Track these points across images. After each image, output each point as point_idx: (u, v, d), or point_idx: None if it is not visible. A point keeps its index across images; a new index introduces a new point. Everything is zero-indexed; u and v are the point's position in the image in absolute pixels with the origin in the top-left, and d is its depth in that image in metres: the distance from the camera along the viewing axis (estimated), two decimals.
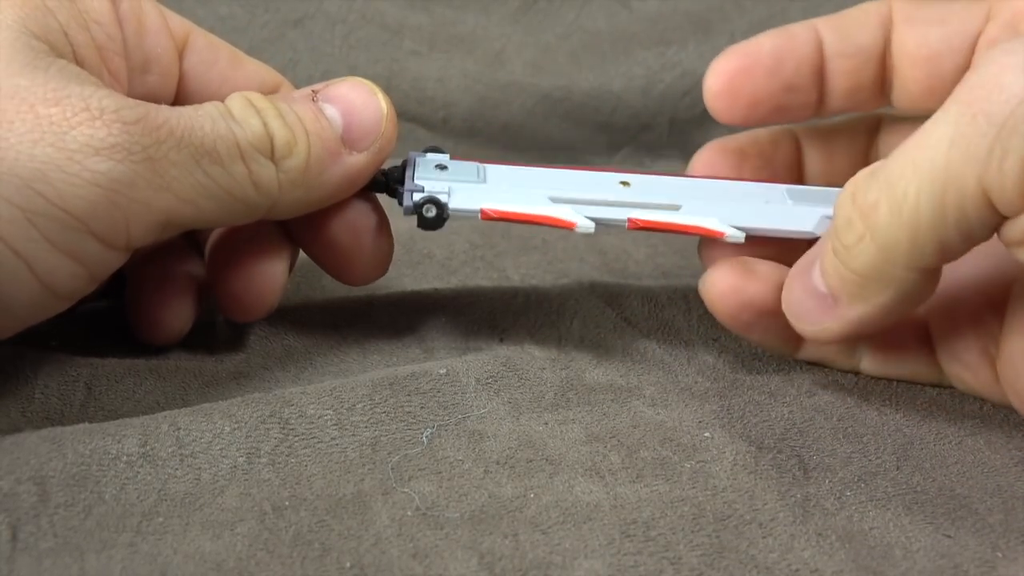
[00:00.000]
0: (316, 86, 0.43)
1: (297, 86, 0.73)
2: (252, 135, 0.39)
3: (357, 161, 0.42)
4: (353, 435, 0.38)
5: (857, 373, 0.43)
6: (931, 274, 0.37)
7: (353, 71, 0.73)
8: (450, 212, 0.42)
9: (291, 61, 0.73)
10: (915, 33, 0.44)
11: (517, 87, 0.74)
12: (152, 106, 0.38)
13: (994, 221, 0.34)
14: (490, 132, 0.74)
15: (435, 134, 0.74)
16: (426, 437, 0.38)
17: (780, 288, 0.41)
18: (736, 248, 0.43)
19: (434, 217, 0.42)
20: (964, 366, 0.42)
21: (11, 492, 0.33)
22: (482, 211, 0.42)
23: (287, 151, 0.40)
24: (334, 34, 0.74)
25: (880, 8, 0.45)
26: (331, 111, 0.42)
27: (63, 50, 0.38)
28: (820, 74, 0.45)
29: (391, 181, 0.43)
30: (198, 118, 0.39)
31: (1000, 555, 0.34)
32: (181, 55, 0.44)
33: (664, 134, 0.74)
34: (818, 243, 0.40)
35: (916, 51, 0.44)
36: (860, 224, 0.36)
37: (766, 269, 0.42)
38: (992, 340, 0.41)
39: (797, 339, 0.43)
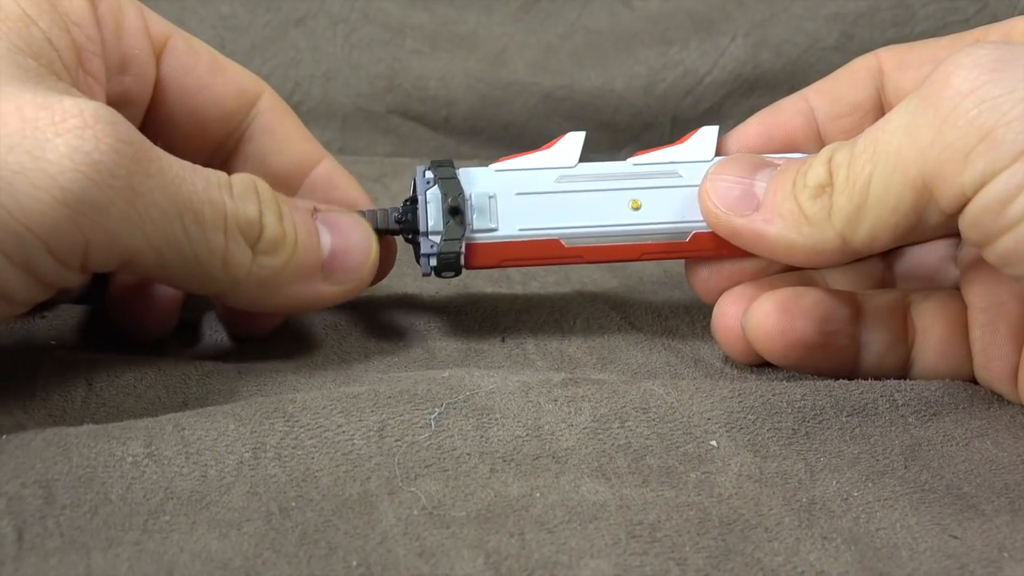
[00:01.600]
0: (320, 205, 0.43)
1: (299, 85, 0.73)
2: (243, 217, 0.39)
3: (326, 290, 0.42)
4: (359, 421, 0.37)
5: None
6: (848, 255, 0.40)
7: (355, 70, 0.73)
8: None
9: (293, 60, 0.73)
10: (911, 76, 0.44)
11: (519, 86, 0.73)
12: (148, 141, 0.37)
13: (928, 214, 0.37)
14: (492, 131, 0.74)
15: (437, 133, 0.74)
16: (434, 420, 0.38)
17: (826, 322, 0.42)
18: (722, 266, 0.45)
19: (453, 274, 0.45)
20: (998, 377, 0.42)
21: (16, 495, 0.33)
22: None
23: (270, 247, 0.40)
24: (336, 33, 0.74)
25: (868, 63, 0.45)
26: (325, 236, 0.42)
27: (49, 57, 0.37)
28: (817, 141, 0.45)
29: (406, 229, 0.44)
30: (194, 174, 0.38)
31: (1006, 555, 0.34)
32: (159, 58, 0.43)
33: (666, 133, 0.74)
34: (784, 159, 0.42)
35: None
36: (825, 177, 0.39)
37: (810, 302, 0.42)
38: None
39: (852, 365, 0.43)
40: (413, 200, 0.44)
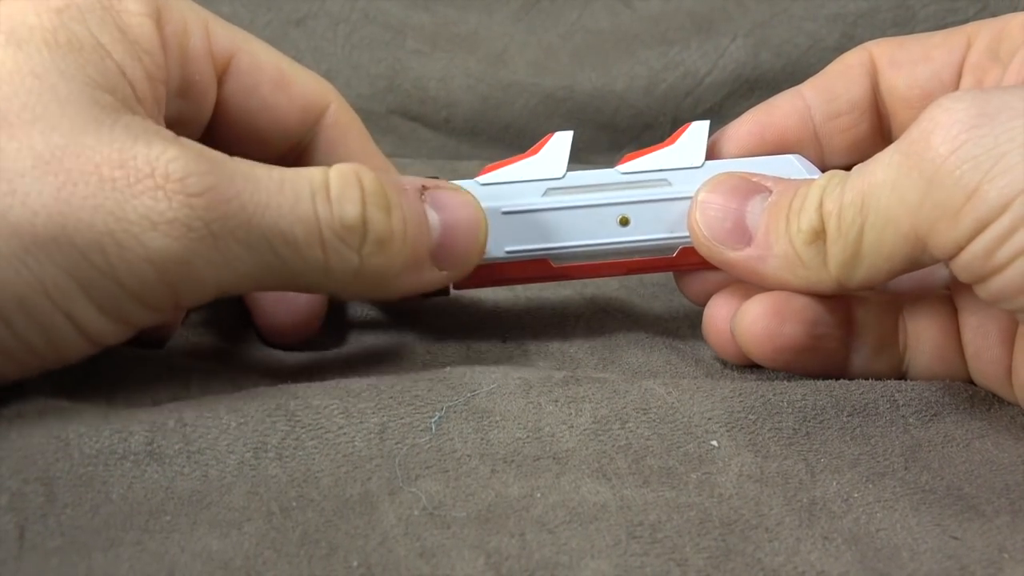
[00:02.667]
0: (428, 181, 0.41)
1: None
2: (341, 223, 0.38)
3: (433, 277, 0.41)
4: (360, 422, 0.37)
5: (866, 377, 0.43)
6: (843, 292, 0.41)
7: (355, 70, 0.73)
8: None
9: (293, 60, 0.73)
10: (903, 75, 0.44)
11: (519, 87, 0.74)
12: (226, 171, 0.36)
13: (922, 260, 0.38)
14: (492, 132, 0.74)
15: (437, 134, 0.74)
16: (434, 423, 0.38)
17: (816, 325, 0.42)
18: (713, 275, 0.45)
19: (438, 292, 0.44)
20: (993, 379, 0.42)
21: (19, 492, 0.33)
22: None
23: (377, 248, 0.39)
24: (336, 33, 0.74)
25: (861, 57, 0.45)
26: (434, 219, 0.41)
27: (124, 91, 0.37)
28: (813, 141, 0.45)
29: None
30: (279, 195, 0.37)
31: (1007, 556, 0.34)
32: (221, 79, 0.43)
33: (667, 134, 0.73)
34: (775, 180, 0.42)
35: (908, 92, 0.44)
36: (818, 223, 0.39)
37: (799, 305, 0.42)
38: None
39: (842, 367, 0.43)
40: None
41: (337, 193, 0.38)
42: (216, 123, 0.43)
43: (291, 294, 0.44)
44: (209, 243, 0.35)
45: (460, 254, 0.41)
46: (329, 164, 0.44)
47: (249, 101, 0.43)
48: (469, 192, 0.42)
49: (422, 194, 0.41)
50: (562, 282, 0.53)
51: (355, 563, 0.32)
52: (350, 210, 0.38)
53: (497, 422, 0.38)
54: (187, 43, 0.41)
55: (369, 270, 0.39)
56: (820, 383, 0.41)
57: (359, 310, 0.48)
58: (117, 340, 0.37)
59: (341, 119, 0.45)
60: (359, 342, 0.46)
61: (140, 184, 0.35)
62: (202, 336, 0.46)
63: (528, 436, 0.38)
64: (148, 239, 0.35)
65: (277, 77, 0.44)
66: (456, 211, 0.41)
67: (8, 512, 0.32)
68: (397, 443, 0.37)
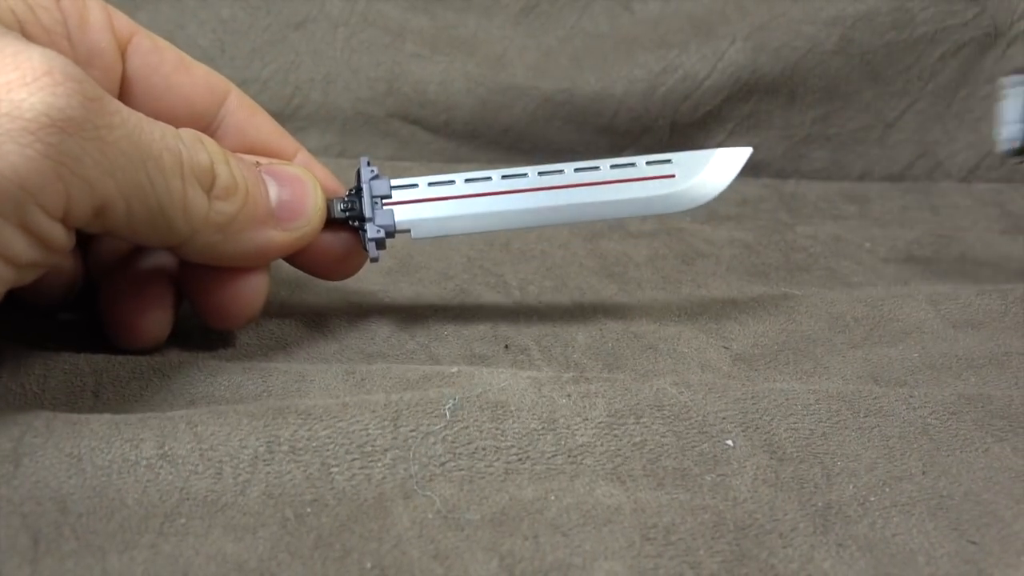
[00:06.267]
0: (261, 159, 0.44)
1: (299, 89, 0.73)
2: (197, 163, 0.40)
3: (277, 237, 0.43)
4: (373, 412, 0.37)
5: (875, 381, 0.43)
6: None
7: (355, 74, 0.73)
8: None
9: (293, 64, 0.73)
10: None
11: (519, 90, 0.74)
12: (108, 95, 0.37)
13: None
14: (491, 135, 0.74)
15: (437, 136, 0.74)
16: (448, 411, 0.38)
17: None
18: None
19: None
20: None
21: (32, 512, 0.32)
22: None
23: (224, 194, 0.41)
24: (336, 36, 0.74)
25: None
26: (271, 185, 0.43)
27: (10, 24, 0.38)
28: None
29: (352, 216, 0.46)
30: (150, 124, 0.38)
31: None
32: (124, 55, 0.43)
33: (665, 137, 0.74)
34: None
35: None
36: None
37: None
38: None
39: None
40: (358, 190, 0.46)
41: (188, 141, 0.40)
42: (123, 101, 0.43)
43: (230, 277, 0.44)
44: (100, 147, 0.36)
45: (300, 215, 0.44)
46: (244, 146, 0.46)
47: (152, 79, 0.44)
48: (301, 167, 0.45)
49: (256, 167, 0.43)
50: (561, 290, 0.53)
51: (369, 565, 0.32)
52: (202, 155, 0.40)
53: (512, 412, 0.38)
54: (86, 13, 0.42)
55: (217, 216, 0.41)
56: (832, 386, 0.41)
57: (359, 314, 0.48)
58: (33, 258, 0.37)
59: (246, 102, 0.47)
60: (359, 349, 0.46)
61: (38, 82, 0.35)
62: (202, 338, 0.46)
63: (543, 427, 0.38)
64: (46, 135, 0.35)
65: (178, 60, 0.45)
66: (290, 180, 0.44)
67: (22, 530, 0.32)
68: (412, 430, 0.37)
